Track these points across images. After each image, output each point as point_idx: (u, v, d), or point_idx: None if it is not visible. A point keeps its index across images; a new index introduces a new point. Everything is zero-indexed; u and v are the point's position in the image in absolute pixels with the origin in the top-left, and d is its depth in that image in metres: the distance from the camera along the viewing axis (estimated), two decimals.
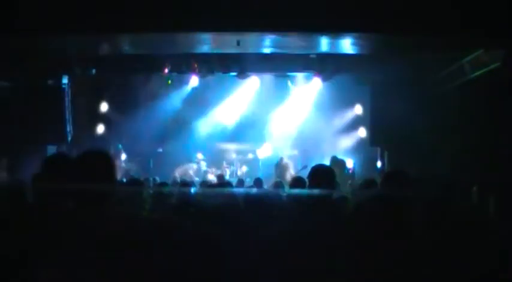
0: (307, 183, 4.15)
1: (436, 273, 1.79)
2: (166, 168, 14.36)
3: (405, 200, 1.83)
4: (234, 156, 14.95)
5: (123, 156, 14.03)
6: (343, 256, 1.73)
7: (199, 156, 14.73)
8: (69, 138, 12.72)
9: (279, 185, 8.96)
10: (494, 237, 2.07)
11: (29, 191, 2.87)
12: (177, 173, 14.05)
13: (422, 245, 1.73)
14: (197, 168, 14.54)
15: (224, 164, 14.70)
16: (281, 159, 13.70)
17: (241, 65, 12.55)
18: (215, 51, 10.77)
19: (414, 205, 1.85)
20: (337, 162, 12.69)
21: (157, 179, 10.69)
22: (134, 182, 6.50)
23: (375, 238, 1.70)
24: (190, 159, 14.74)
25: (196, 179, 14.03)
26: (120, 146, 13.99)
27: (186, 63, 12.51)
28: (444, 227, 1.94)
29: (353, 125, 14.33)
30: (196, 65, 12.52)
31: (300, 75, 14.04)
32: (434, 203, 2.23)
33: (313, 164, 4.32)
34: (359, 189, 5.17)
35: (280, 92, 14.90)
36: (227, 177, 13.79)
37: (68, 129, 12.71)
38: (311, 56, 11.75)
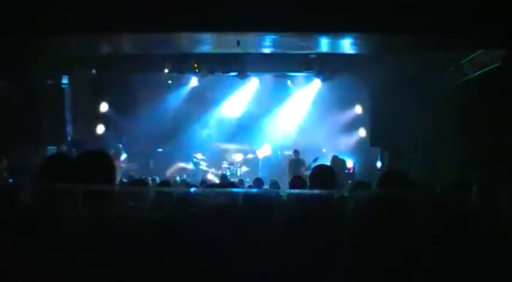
0: (309, 183, 4.15)
1: (437, 274, 1.79)
2: (166, 168, 14.37)
3: (406, 199, 1.82)
4: (234, 156, 14.95)
5: (123, 156, 14.03)
6: (344, 256, 1.73)
7: (199, 156, 14.72)
8: (69, 139, 12.71)
9: (275, 184, 8.97)
10: (494, 237, 2.06)
11: (25, 192, 2.86)
12: (168, 174, 14.03)
13: (423, 245, 1.73)
14: (184, 167, 14.48)
15: (224, 164, 14.69)
16: (296, 153, 13.64)
17: (241, 65, 12.56)
18: (215, 51, 10.77)
19: (414, 205, 1.85)
20: (337, 162, 12.68)
21: (157, 178, 10.69)
22: (137, 182, 6.50)
23: (375, 238, 1.69)
24: (189, 159, 14.74)
25: (190, 166, 13.98)
26: (120, 146, 13.98)
27: (186, 63, 12.51)
28: (445, 227, 1.94)
29: (353, 125, 14.33)
30: (196, 65, 12.52)
31: (300, 75, 14.05)
32: (434, 203, 2.22)
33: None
34: (351, 191, 5.16)
35: (280, 92, 14.90)
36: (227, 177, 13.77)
37: (68, 129, 12.70)
38: (311, 56, 11.75)
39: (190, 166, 14.43)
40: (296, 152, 13.62)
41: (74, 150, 12.16)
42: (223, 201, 2.88)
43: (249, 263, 2.25)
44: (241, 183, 11.24)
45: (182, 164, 14.40)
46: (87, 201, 2.33)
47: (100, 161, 2.57)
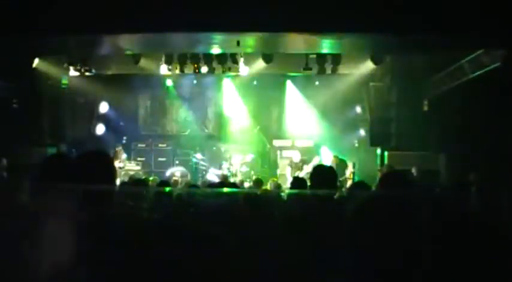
0: (309, 183, 4.15)
1: (437, 274, 1.79)
2: (166, 168, 14.37)
3: (406, 199, 1.83)
4: (234, 156, 14.94)
5: (123, 156, 14.03)
6: (344, 256, 1.73)
7: (199, 156, 14.72)
8: (69, 139, 12.72)
9: (276, 185, 8.99)
10: (494, 237, 2.06)
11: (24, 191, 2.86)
12: (168, 173, 13.99)
13: (423, 245, 1.73)
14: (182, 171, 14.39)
15: (224, 164, 14.68)
16: (298, 158, 13.74)
17: (240, 65, 12.56)
18: (215, 51, 10.77)
19: (414, 205, 1.85)
20: (337, 162, 12.69)
21: (157, 178, 10.68)
22: (137, 182, 6.49)
23: (375, 238, 1.69)
24: (189, 159, 14.73)
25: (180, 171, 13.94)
26: (120, 146, 13.97)
27: (186, 63, 12.51)
28: (445, 227, 1.94)
29: (353, 125, 14.32)
30: (196, 65, 12.52)
31: (300, 75, 14.05)
32: (434, 203, 2.22)
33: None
34: (348, 191, 5.16)
35: (280, 92, 14.90)
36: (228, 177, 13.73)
37: (68, 129, 12.71)
38: (311, 56, 11.75)
39: (179, 172, 14.31)
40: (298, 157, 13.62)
41: (73, 150, 12.17)
42: (223, 201, 2.89)
43: (249, 263, 2.25)
44: (241, 183, 11.23)
45: (175, 170, 14.34)
46: (87, 202, 2.33)
47: (100, 161, 2.56)
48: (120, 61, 12.62)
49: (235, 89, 14.87)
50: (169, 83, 14.63)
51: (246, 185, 11.61)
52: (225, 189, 4.13)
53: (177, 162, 14.72)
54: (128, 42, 9.64)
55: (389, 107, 12.12)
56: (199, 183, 11.00)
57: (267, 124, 14.99)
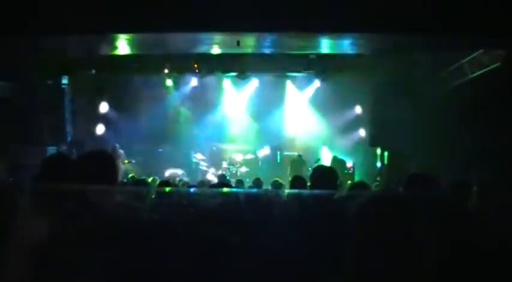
0: (310, 184, 4.15)
1: (437, 274, 1.79)
2: (166, 169, 14.37)
3: (406, 200, 1.83)
4: (233, 156, 14.94)
5: (122, 156, 14.02)
6: (343, 256, 1.73)
7: (199, 156, 14.72)
8: (69, 139, 12.71)
9: (277, 185, 8.97)
10: (495, 238, 2.06)
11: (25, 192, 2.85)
12: (167, 174, 14.00)
13: (423, 245, 1.73)
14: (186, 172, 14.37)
15: (224, 164, 14.69)
16: (299, 156, 13.81)
17: (241, 65, 12.57)
18: (215, 51, 10.76)
19: (417, 205, 1.85)
20: (337, 162, 12.69)
21: (157, 178, 10.68)
22: (137, 182, 6.49)
23: (375, 238, 1.69)
24: (189, 159, 14.74)
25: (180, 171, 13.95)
26: (118, 146, 13.97)
27: (186, 63, 12.51)
28: (445, 227, 1.94)
29: (353, 125, 14.33)
30: (196, 65, 12.52)
31: (300, 76, 14.05)
32: (436, 203, 2.23)
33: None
34: (348, 191, 5.16)
35: (280, 92, 14.90)
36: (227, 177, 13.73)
37: (68, 129, 12.70)
38: (311, 56, 11.75)
39: (180, 171, 14.31)
40: (299, 156, 13.77)
41: (74, 150, 12.16)
42: (222, 201, 2.88)
43: (249, 263, 2.25)
44: (241, 183, 11.22)
45: (174, 170, 14.33)
46: (87, 202, 2.33)
47: (103, 161, 2.56)
48: (121, 61, 12.62)
49: (235, 89, 14.88)
50: (169, 83, 14.63)
51: (246, 184, 11.60)
52: (225, 189, 4.13)
53: (177, 162, 14.73)
54: (127, 42, 9.64)
55: (389, 107, 12.10)
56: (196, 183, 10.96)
57: (267, 124, 14.99)
